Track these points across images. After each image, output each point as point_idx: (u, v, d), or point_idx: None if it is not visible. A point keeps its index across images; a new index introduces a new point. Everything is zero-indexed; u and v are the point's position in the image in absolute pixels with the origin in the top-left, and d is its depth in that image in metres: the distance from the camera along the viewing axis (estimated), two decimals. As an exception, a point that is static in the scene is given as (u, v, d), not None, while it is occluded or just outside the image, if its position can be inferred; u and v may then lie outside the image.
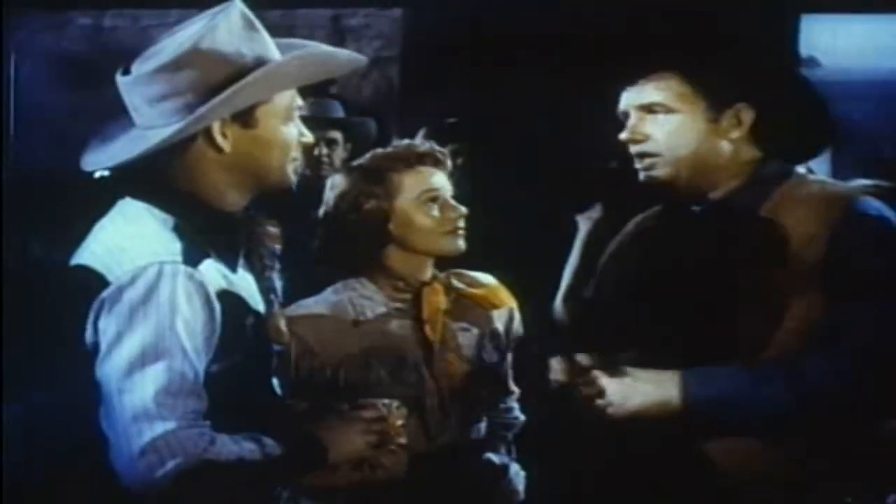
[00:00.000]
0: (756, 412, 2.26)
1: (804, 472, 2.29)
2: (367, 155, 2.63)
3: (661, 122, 2.37)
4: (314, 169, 4.39)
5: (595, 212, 3.10)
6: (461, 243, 2.59)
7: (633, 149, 2.42)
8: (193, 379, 1.98)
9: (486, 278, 2.70)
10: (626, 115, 2.42)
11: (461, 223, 2.57)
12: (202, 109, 2.02)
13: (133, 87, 2.08)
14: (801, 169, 2.46)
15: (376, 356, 2.55)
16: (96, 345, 1.99)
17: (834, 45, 5.20)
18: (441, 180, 2.59)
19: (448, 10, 4.99)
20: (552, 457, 2.59)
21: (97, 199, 2.16)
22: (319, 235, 2.63)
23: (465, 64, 4.88)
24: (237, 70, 2.05)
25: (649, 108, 2.38)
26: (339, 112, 4.57)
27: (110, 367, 1.96)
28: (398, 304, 2.59)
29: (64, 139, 2.23)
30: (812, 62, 5.14)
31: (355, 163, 2.66)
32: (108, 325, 1.97)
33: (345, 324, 2.58)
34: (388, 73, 5.37)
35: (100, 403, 1.98)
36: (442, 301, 2.59)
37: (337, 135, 4.42)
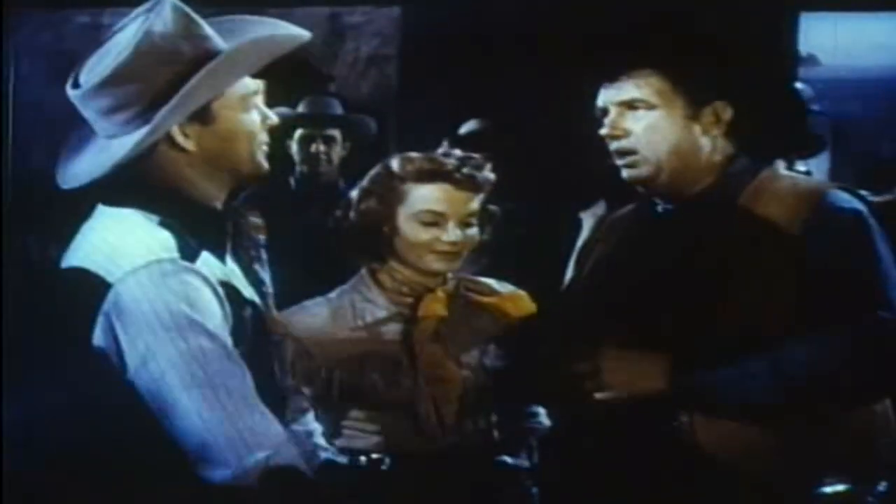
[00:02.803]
0: (741, 398, 2.29)
1: (795, 459, 2.31)
2: (404, 154, 2.60)
3: (640, 118, 2.39)
4: (312, 166, 4.39)
5: (598, 208, 3.09)
6: (448, 265, 2.56)
7: (613, 145, 2.43)
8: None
9: (502, 286, 2.69)
10: (605, 111, 2.44)
11: (455, 248, 2.55)
12: (155, 122, 2.00)
13: (84, 100, 2.06)
14: (775, 166, 2.49)
15: (371, 361, 2.54)
16: (122, 352, 1.97)
17: (834, 43, 5.20)
18: (456, 201, 2.54)
19: (446, 8, 4.99)
20: (570, 461, 2.59)
21: (96, 198, 2.15)
22: (336, 218, 2.64)
23: (464, 62, 4.88)
24: (181, 69, 2.02)
25: (630, 105, 2.40)
26: (337, 110, 4.57)
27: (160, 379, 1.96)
28: (399, 309, 2.58)
29: (63, 137, 2.22)
30: (812, 61, 5.14)
31: (396, 157, 2.63)
32: (134, 336, 1.96)
33: (342, 327, 2.57)
34: (386, 71, 5.37)
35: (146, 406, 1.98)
36: (439, 308, 2.58)
37: (335, 132, 4.43)
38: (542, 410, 2.73)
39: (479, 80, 4.77)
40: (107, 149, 2.05)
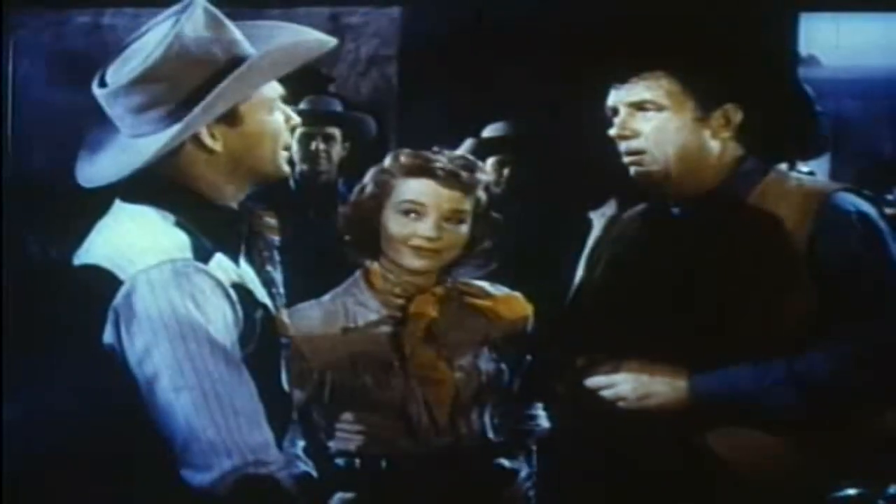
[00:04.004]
0: (759, 405, 2.31)
1: (806, 462, 2.32)
2: (398, 150, 2.61)
3: (650, 119, 2.40)
4: (312, 164, 4.40)
5: (609, 208, 3.09)
6: (425, 262, 2.55)
7: (622, 145, 2.45)
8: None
9: (497, 289, 2.68)
10: (616, 111, 2.45)
11: (428, 244, 2.54)
12: (185, 122, 2.02)
13: (112, 98, 2.07)
14: (780, 166, 2.50)
15: (363, 363, 2.55)
16: (123, 348, 1.98)
17: (834, 43, 5.20)
18: (438, 196, 2.53)
19: (446, 8, 4.99)
20: (568, 463, 2.59)
21: (97, 198, 2.15)
22: (337, 213, 2.65)
23: (464, 62, 4.88)
24: (212, 71, 2.04)
25: (639, 106, 2.41)
26: (337, 109, 4.57)
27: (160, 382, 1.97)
28: (391, 311, 2.58)
29: (64, 138, 2.22)
30: (812, 61, 5.15)
31: (391, 153, 2.65)
32: (135, 334, 1.97)
33: (335, 330, 2.58)
34: (386, 71, 5.37)
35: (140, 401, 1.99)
36: (428, 308, 2.58)
37: (335, 131, 4.42)
38: (541, 413, 2.73)
39: (480, 81, 4.77)
40: (131, 148, 2.06)
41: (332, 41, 2.21)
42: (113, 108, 2.09)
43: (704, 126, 2.41)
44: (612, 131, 2.45)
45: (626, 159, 2.45)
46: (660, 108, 2.40)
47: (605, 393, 2.39)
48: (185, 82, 2.04)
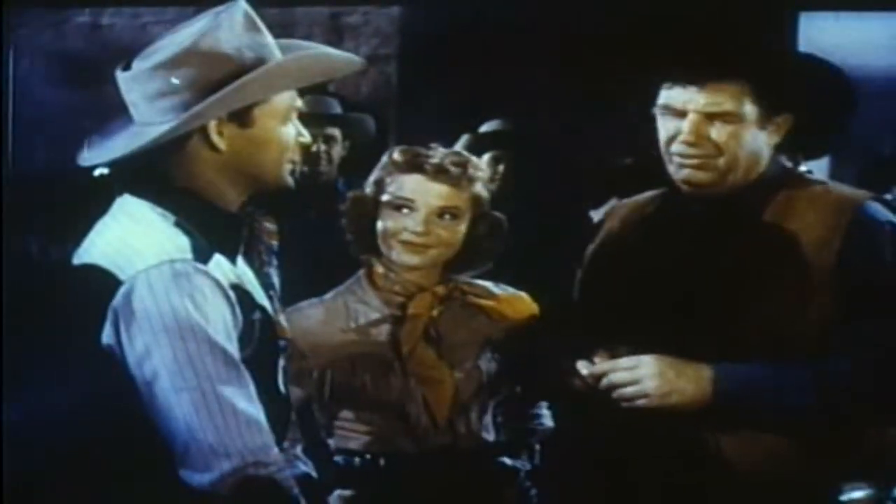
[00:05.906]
0: (780, 408, 2.31)
1: (812, 463, 2.31)
2: (396, 147, 2.62)
3: (723, 128, 2.35)
4: (312, 165, 4.40)
5: (609, 207, 3.08)
6: (415, 258, 2.54)
7: (682, 148, 2.37)
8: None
9: (501, 289, 2.68)
10: (683, 114, 2.37)
11: (416, 239, 2.54)
12: (198, 107, 2.02)
13: (132, 83, 2.07)
14: (801, 169, 2.49)
15: (363, 362, 2.55)
16: (123, 349, 1.98)
17: (834, 43, 5.20)
18: (427, 191, 2.53)
19: (446, 8, 5.00)
20: (571, 461, 2.59)
21: (96, 197, 2.15)
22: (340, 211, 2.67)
23: (463, 62, 4.89)
24: (237, 70, 2.05)
25: (714, 114, 2.35)
26: (336, 109, 4.57)
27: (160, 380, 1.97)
28: (392, 310, 2.58)
29: (63, 137, 2.22)
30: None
31: (389, 150, 2.65)
32: (135, 335, 1.97)
33: (336, 328, 2.58)
34: (386, 70, 5.38)
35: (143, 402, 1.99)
36: (427, 308, 2.58)
37: (335, 132, 4.42)
38: (546, 412, 2.73)
39: (479, 80, 4.78)
40: (139, 134, 2.07)
41: (361, 62, 2.23)
42: (130, 93, 2.09)
43: (763, 133, 2.38)
44: (683, 136, 2.35)
45: (682, 161, 2.36)
46: (734, 118, 2.34)
47: (628, 391, 2.34)
48: (207, 75, 2.04)
